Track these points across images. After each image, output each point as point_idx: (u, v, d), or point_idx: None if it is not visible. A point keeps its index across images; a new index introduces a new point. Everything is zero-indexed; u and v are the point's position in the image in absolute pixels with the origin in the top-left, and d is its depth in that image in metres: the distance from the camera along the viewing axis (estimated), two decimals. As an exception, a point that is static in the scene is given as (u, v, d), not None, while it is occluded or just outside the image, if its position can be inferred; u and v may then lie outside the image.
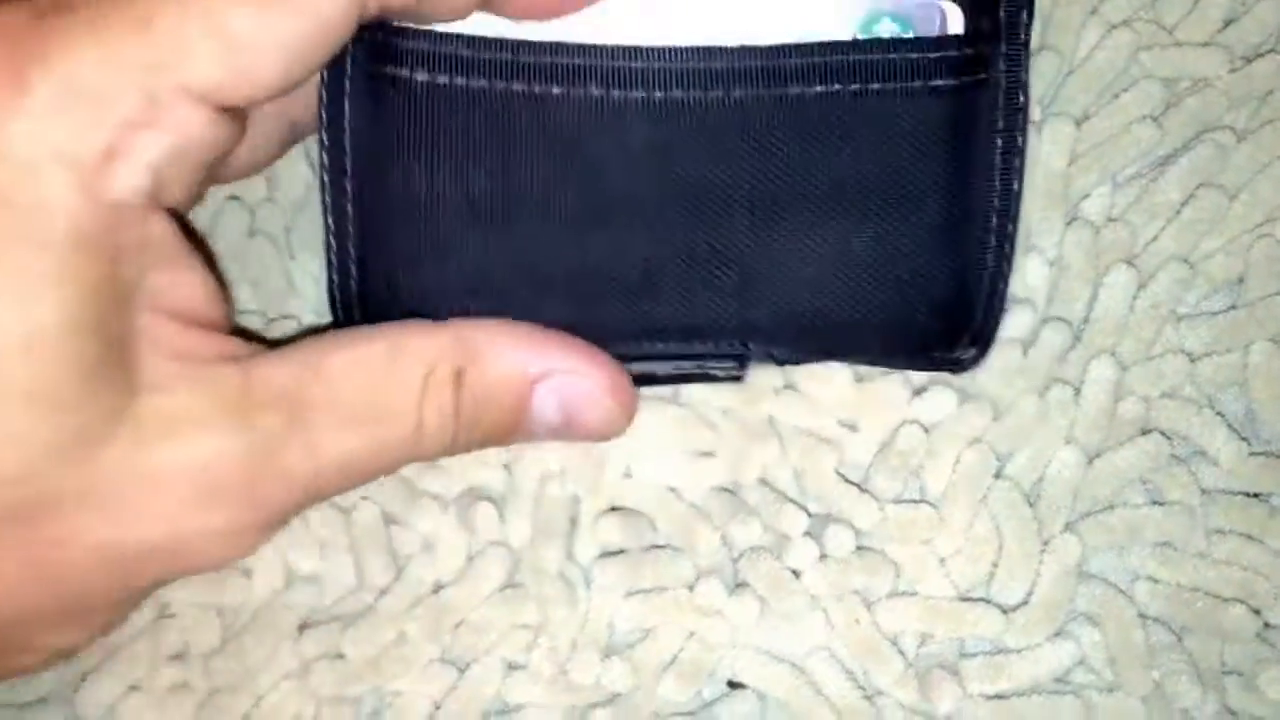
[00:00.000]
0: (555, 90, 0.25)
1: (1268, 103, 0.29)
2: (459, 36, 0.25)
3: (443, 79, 0.25)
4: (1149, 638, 0.28)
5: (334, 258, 0.26)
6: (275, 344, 0.25)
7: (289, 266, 0.30)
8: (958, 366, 0.28)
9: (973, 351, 0.28)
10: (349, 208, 0.26)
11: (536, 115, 0.25)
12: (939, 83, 0.26)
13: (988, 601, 0.28)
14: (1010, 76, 0.26)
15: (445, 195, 0.25)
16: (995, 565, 0.28)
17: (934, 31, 0.26)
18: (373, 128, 0.25)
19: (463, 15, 0.24)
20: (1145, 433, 0.29)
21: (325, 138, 0.25)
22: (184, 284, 0.24)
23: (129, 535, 0.22)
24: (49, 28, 0.20)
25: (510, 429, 0.25)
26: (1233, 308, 0.29)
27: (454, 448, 0.25)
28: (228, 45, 0.21)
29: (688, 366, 0.27)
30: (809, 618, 0.28)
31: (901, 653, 0.28)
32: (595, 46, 0.25)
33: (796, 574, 0.28)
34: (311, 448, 0.23)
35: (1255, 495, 0.29)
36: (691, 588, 0.28)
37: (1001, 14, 0.26)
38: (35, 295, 0.20)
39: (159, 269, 0.23)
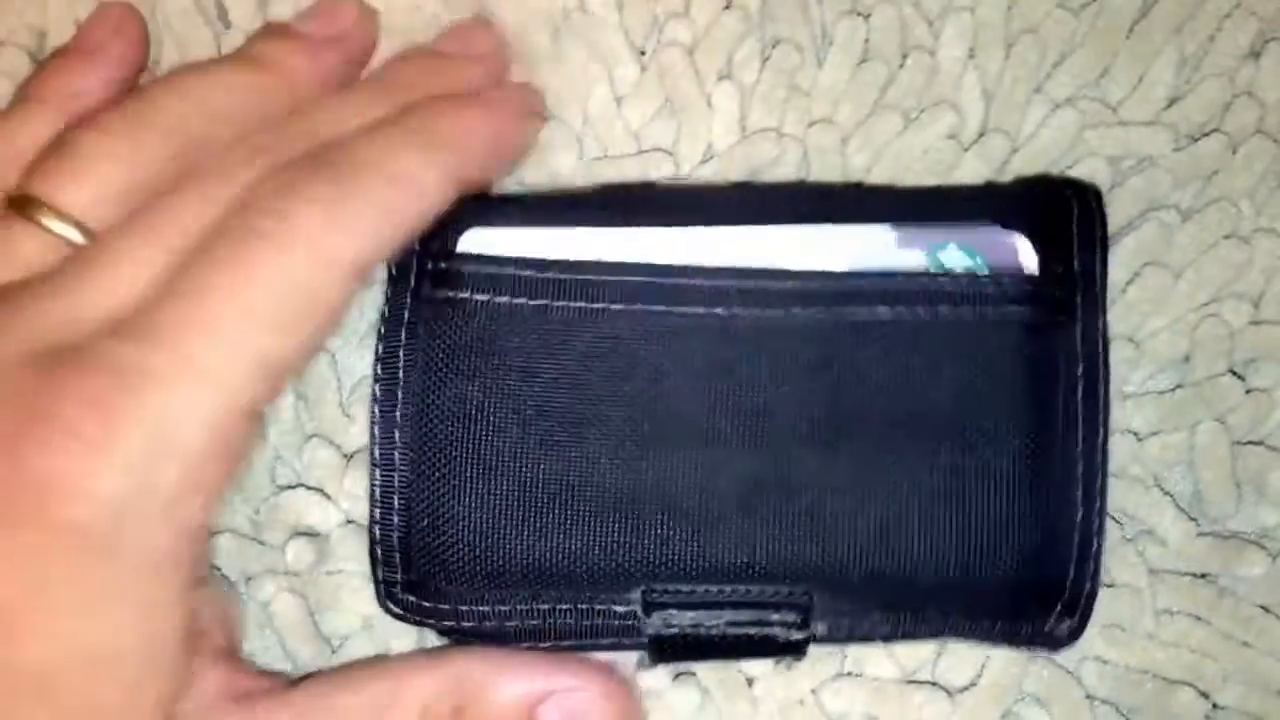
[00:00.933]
0: (616, 306, 0.25)
1: (1212, 182, 0.29)
2: (521, 259, 0.26)
3: (503, 299, 0.25)
4: (1097, 720, 0.28)
5: (378, 491, 0.26)
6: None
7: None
8: (1053, 644, 0.26)
9: (1068, 623, 0.26)
10: (396, 434, 0.26)
11: (595, 332, 0.25)
12: (1012, 314, 0.25)
13: (934, 684, 0.28)
14: (1088, 325, 0.26)
15: (498, 415, 0.25)
16: (940, 647, 0.28)
17: (1005, 262, 0.26)
18: (428, 352, 0.26)
19: (444, 207, 0.26)
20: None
21: (379, 369, 0.26)
22: (210, 601, 0.26)
23: None
24: (129, 388, 0.22)
25: None
26: (1179, 387, 0.29)
27: None
28: (269, 368, 0.24)
29: (744, 619, 0.26)
30: (754, 702, 0.28)
31: (847, 736, 0.28)
32: (657, 264, 0.25)
33: (749, 681, 0.28)
34: None
35: (1203, 575, 0.29)
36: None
37: (1075, 262, 0.26)
38: (103, 615, 0.22)
39: (200, 585, 0.25)
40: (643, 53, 0.30)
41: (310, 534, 0.29)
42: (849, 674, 0.28)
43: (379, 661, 0.27)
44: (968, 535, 0.25)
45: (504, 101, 0.28)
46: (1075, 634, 0.26)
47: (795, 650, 0.26)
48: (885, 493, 0.25)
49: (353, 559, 0.28)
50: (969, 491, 0.25)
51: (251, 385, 0.23)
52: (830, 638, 0.26)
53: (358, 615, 0.29)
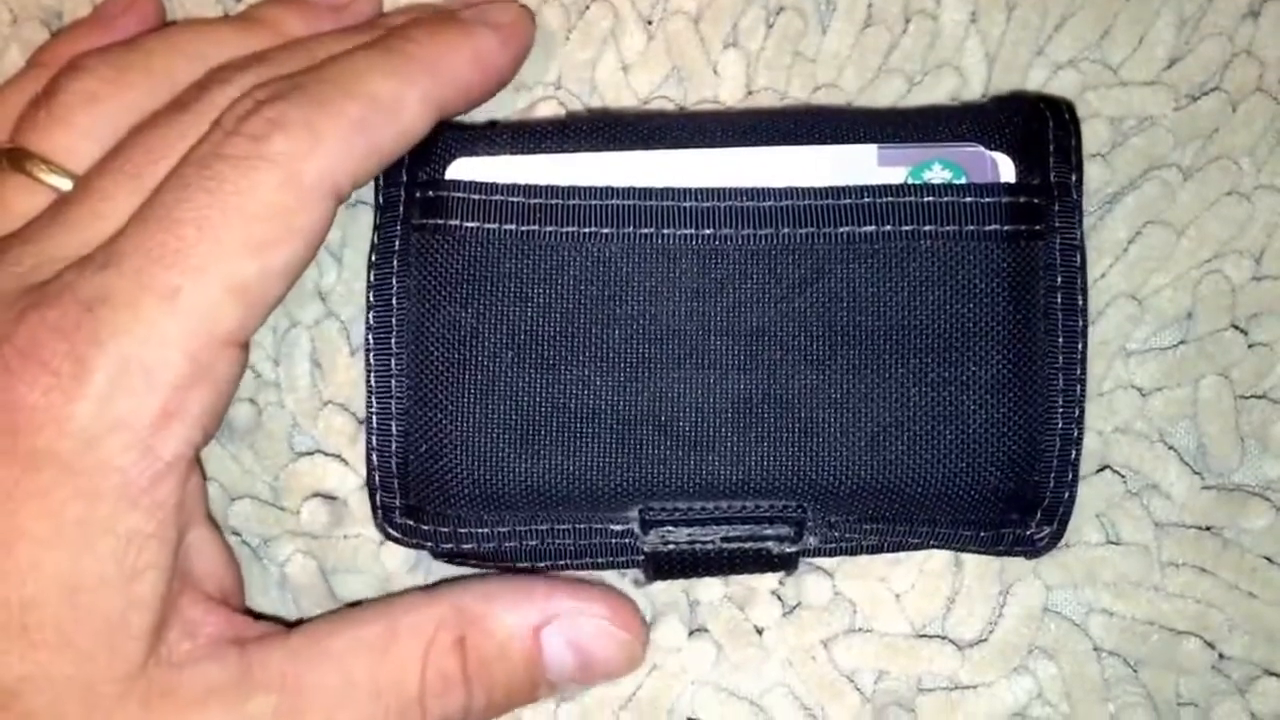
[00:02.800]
0: (605, 230, 0.26)
1: (1213, 140, 0.30)
2: (510, 185, 0.26)
3: (492, 225, 0.26)
4: (1104, 671, 0.29)
5: (375, 419, 0.26)
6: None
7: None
8: (1031, 549, 0.27)
9: (1047, 530, 0.26)
10: (391, 362, 0.26)
11: (587, 256, 0.26)
12: (992, 227, 0.25)
13: (944, 638, 0.29)
14: (1066, 235, 0.26)
15: (492, 340, 0.25)
16: (951, 600, 0.29)
17: (985, 179, 0.26)
18: (420, 279, 0.26)
19: (425, 133, 0.26)
20: (1100, 468, 0.29)
21: (372, 297, 0.26)
22: (204, 549, 0.26)
23: None
24: (97, 318, 0.22)
25: (529, 684, 0.26)
26: (1182, 343, 0.29)
27: (472, 712, 0.26)
28: (244, 293, 0.23)
29: (739, 534, 0.26)
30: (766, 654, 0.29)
31: (858, 689, 0.29)
32: (645, 188, 0.26)
33: (759, 630, 0.29)
34: None
35: (1208, 528, 0.29)
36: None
37: (1052, 174, 0.26)
38: (83, 547, 0.22)
39: (191, 529, 0.25)
40: (649, 21, 0.31)
41: (327, 497, 0.29)
42: (859, 629, 0.29)
43: (376, 602, 0.26)
44: (954, 447, 0.25)
45: (484, 22, 0.27)
46: (1054, 540, 0.27)
47: (787, 564, 0.27)
48: (875, 407, 0.25)
49: (369, 523, 0.29)
50: (955, 404, 0.25)
51: (227, 311, 0.23)
52: (821, 550, 0.27)
53: (374, 578, 0.29)
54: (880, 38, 0.30)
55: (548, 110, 0.30)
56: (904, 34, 0.30)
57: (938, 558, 0.29)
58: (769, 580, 0.29)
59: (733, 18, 0.30)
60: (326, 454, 0.29)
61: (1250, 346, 0.29)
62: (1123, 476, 0.29)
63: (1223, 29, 0.30)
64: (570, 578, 0.27)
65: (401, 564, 0.29)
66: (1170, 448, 0.29)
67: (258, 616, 0.28)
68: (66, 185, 0.25)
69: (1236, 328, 0.29)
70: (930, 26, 0.30)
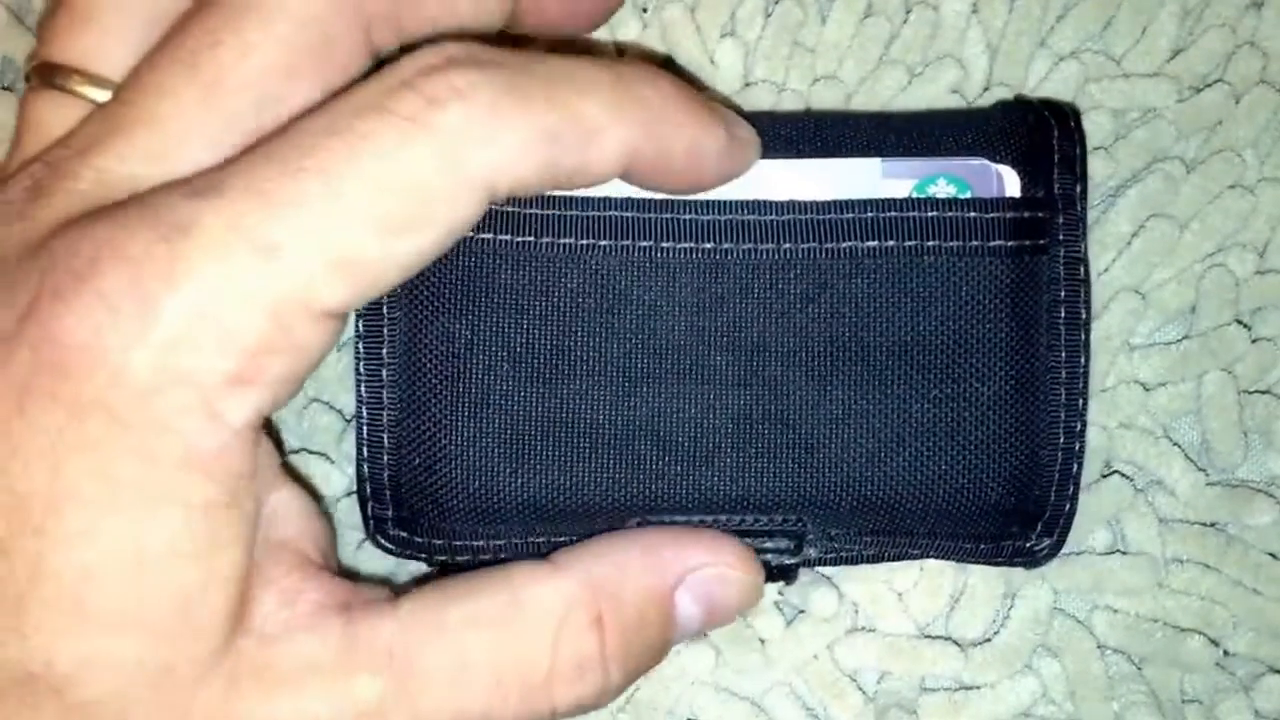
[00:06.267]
0: (604, 242, 0.25)
1: (1217, 132, 0.29)
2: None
3: (487, 235, 0.25)
4: (1108, 669, 0.28)
5: (366, 429, 0.25)
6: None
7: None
8: (1031, 560, 0.27)
9: (1047, 542, 0.26)
10: (383, 373, 0.25)
11: (584, 268, 0.25)
12: (996, 243, 0.25)
13: (947, 639, 0.28)
14: (1070, 248, 0.26)
15: (487, 352, 0.25)
16: (954, 599, 0.29)
17: (990, 193, 0.26)
18: (412, 288, 0.25)
19: (604, 180, 0.23)
20: (1109, 472, 0.29)
21: (362, 306, 0.25)
22: (291, 512, 0.23)
23: None
24: (177, 253, 0.19)
25: (663, 648, 0.24)
26: (1185, 338, 0.29)
27: (607, 692, 0.23)
28: (355, 270, 0.20)
29: None
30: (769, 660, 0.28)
31: (860, 689, 0.28)
32: (645, 200, 0.25)
33: (763, 641, 0.28)
34: (418, 717, 0.22)
35: (1212, 524, 0.29)
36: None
37: (1056, 186, 0.26)
38: (144, 514, 0.20)
39: (269, 495, 0.22)
40: (645, 9, 0.30)
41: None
42: (862, 629, 0.29)
43: (497, 570, 0.23)
44: (955, 462, 0.25)
45: (726, 122, 0.24)
46: (1054, 551, 0.26)
47: (786, 575, 0.26)
48: (876, 422, 0.25)
49: (358, 523, 0.28)
50: (956, 420, 0.25)
51: (328, 282, 0.20)
52: (821, 561, 0.27)
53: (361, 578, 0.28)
54: (880, 28, 0.30)
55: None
56: (904, 24, 0.30)
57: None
58: (770, 590, 0.28)
59: (730, 6, 0.30)
60: (312, 452, 0.29)
61: (1254, 341, 0.29)
62: (1131, 480, 0.29)
63: (1226, 20, 0.30)
64: (681, 525, 0.26)
65: (385, 566, 0.28)
66: (1174, 443, 0.29)
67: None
68: (104, 96, 0.22)
69: (1240, 322, 0.29)
70: (931, 17, 0.30)
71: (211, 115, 0.21)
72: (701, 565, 0.24)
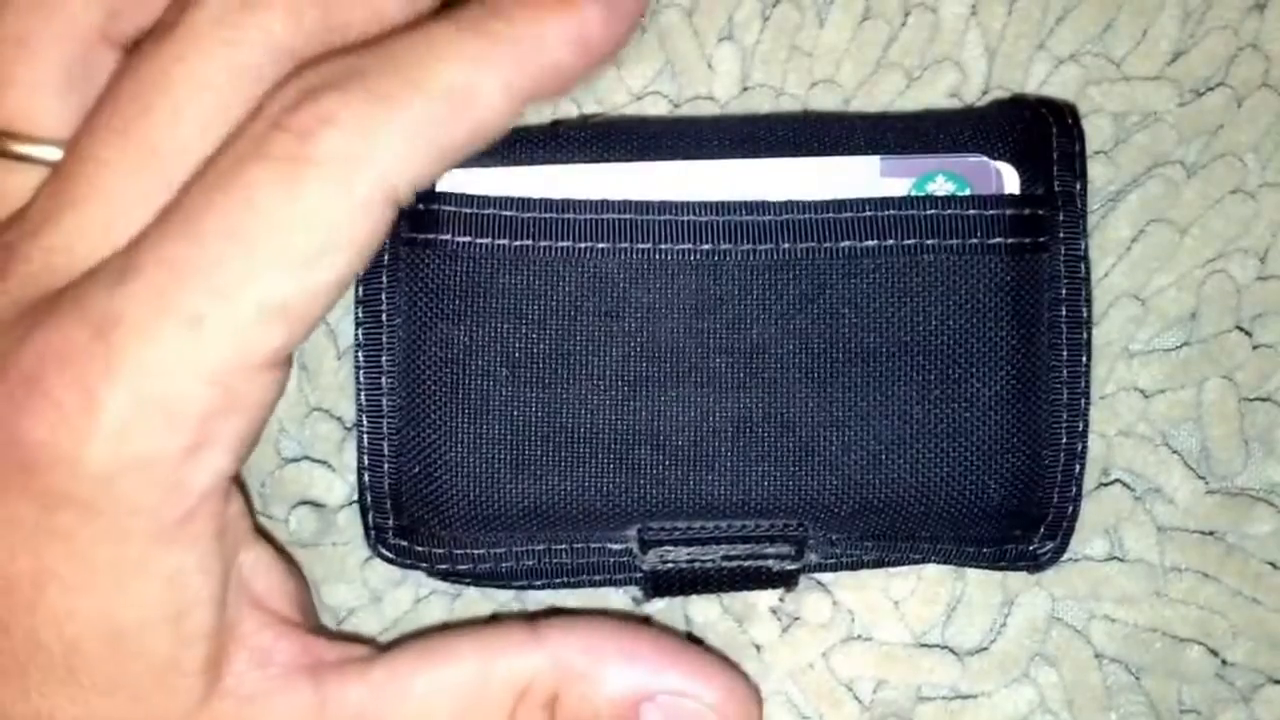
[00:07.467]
0: (601, 245, 0.25)
1: (1218, 137, 0.29)
2: (503, 198, 0.25)
3: (484, 240, 0.25)
4: (1106, 678, 0.28)
5: (366, 438, 0.25)
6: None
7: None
8: (1034, 564, 0.26)
9: (1050, 545, 0.26)
10: (382, 380, 0.25)
11: (581, 271, 0.25)
12: (995, 241, 0.25)
13: (943, 647, 0.28)
14: (1070, 246, 0.25)
15: (486, 358, 0.25)
16: (951, 608, 0.28)
17: (989, 190, 0.25)
18: (411, 295, 0.25)
19: (510, 123, 0.22)
20: (1110, 480, 0.28)
21: (360, 313, 0.25)
22: (262, 568, 0.24)
23: None
24: (112, 346, 0.20)
25: None
26: (1185, 344, 0.29)
27: None
28: (282, 313, 0.21)
29: (739, 553, 0.26)
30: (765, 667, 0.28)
31: (857, 698, 0.28)
32: (641, 201, 0.25)
33: (758, 648, 0.28)
34: None
35: (1211, 533, 0.28)
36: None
37: (1055, 183, 0.26)
38: (118, 590, 0.21)
39: (241, 553, 0.23)
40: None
41: (315, 504, 0.28)
42: (858, 637, 0.28)
43: (468, 633, 0.24)
44: (957, 464, 0.25)
45: None
46: (1057, 555, 0.26)
47: (788, 580, 0.26)
48: (877, 424, 0.25)
49: (358, 532, 0.28)
50: (958, 421, 0.25)
51: (262, 334, 0.20)
52: (822, 566, 0.27)
53: (364, 588, 0.28)
54: (879, 31, 0.29)
55: (536, 104, 0.29)
56: (903, 27, 0.29)
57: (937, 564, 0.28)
58: (768, 596, 0.28)
59: (728, 10, 0.29)
60: (314, 460, 0.29)
61: (1255, 348, 0.28)
62: (1130, 488, 0.28)
63: (1228, 23, 0.29)
64: (680, 637, 0.26)
65: (389, 575, 0.28)
66: (1174, 451, 0.29)
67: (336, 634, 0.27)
68: (51, 154, 0.22)
69: (1241, 329, 0.29)
70: (930, 20, 0.29)
71: (152, 183, 0.21)
72: (683, 691, 0.24)
